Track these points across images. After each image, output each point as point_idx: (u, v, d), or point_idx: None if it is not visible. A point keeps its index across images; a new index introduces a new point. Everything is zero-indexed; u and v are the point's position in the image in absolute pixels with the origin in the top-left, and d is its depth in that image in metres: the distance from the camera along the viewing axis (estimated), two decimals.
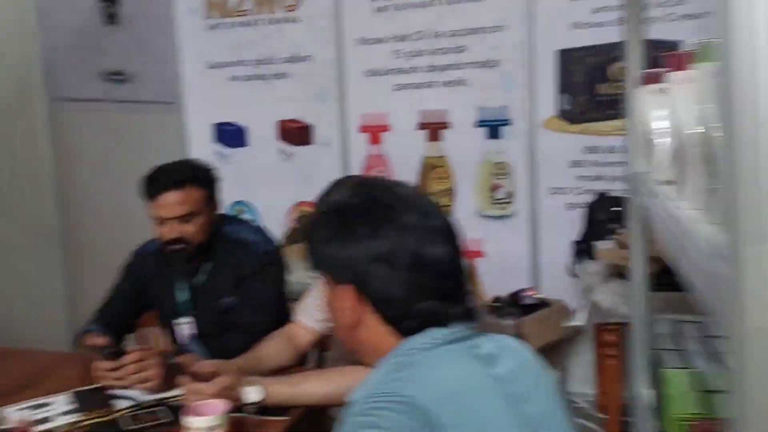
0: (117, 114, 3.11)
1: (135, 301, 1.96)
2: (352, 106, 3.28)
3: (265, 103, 3.43)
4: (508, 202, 3.10)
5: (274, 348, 1.63)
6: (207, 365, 1.39)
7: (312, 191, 3.22)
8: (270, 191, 3.48)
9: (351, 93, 3.28)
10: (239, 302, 1.83)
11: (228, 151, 3.55)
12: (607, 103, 2.87)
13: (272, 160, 3.46)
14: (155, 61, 3.36)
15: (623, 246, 2.45)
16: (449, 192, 3.19)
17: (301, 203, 3.42)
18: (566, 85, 2.93)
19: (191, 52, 3.47)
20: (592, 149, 2.92)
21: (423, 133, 3.20)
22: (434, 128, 3.18)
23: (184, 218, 1.77)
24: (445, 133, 3.17)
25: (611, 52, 2.81)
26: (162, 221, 1.78)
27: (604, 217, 2.73)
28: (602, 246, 2.60)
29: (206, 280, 1.88)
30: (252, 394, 1.32)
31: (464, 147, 3.13)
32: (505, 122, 3.05)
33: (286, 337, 1.71)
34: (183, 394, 1.46)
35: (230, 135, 3.53)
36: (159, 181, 1.78)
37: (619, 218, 2.70)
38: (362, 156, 3.31)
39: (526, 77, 2.98)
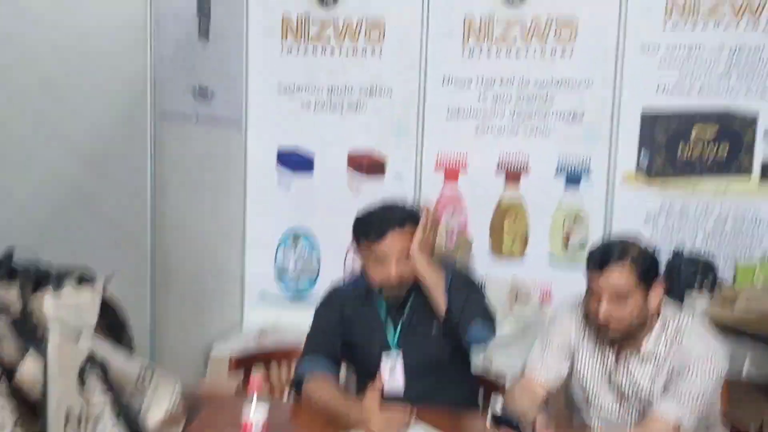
0: (202, 132, 2.97)
1: (341, 336, 1.90)
2: (431, 142, 3.30)
3: (337, 131, 3.38)
4: (581, 251, 3.23)
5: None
6: None
7: None
8: (332, 222, 3.40)
9: (430, 130, 3.30)
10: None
11: (291, 176, 3.45)
12: (687, 164, 3.08)
13: (339, 190, 3.40)
14: (231, 79, 3.24)
15: (724, 302, 2.64)
16: (523, 236, 3.28)
17: None
18: (647, 143, 3.11)
19: (263, 74, 3.37)
20: (668, 207, 3.11)
21: (501, 176, 3.28)
22: (513, 172, 3.26)
23: (404, 256, 1.78)
24: (524, 178, 3.26)
25: (693, 117, 3.05)
26: (384, 260, 1.77)
27: (687, 273, 2.91)
28: (698, 299, 2.77)
29: (413, 315, 1.87)
30: None
31: (542, 193, 3.23)
32: (584, 172, 3.19)
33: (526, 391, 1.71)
34: None
35: (295, 161, 3.44)
36: (385, 220, 1.79)
37: (704, 276, 2.91)
38: (436, 193, 3.33)
39: (608, 131, 3.13)
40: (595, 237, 3.18)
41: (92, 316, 1.44)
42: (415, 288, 1.86)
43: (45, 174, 1.96)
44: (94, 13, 2.21)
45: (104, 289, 1.54)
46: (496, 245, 3.31)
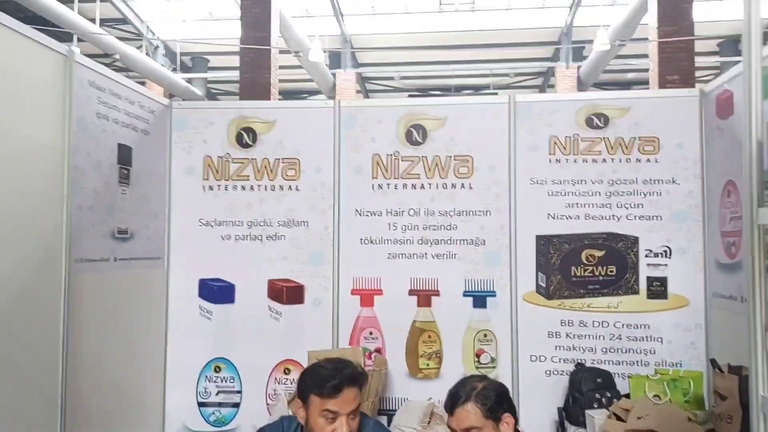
0: (119, 271, 3.06)
1: None
2: (346, 270, 3.49)
3: (256, 262, 3.53)
4: (492, 367, 3.40)
5: None
6: None
7: (301, 350, 3.30)
8: (253, 349, 3.50)
9: (345, 258, 3.50)
10: None
11: (212, 306, 3.55)
12: (579, 283, 3.35)
13: (259, 318, 3.51)
14: (153, 218, 3.39)
15: (619, 418, 2.82)
16: (438, 355, 3.43)
17: (287, 361, 3.47)
18: (543, 265, 3.39)
19: (184, 210, 3.54)
20: (567, 323, 3.35)
21: (413, 299, 3.47)
22: (424, 295, 3.46)
23: (354, 413, 1.87)
24: (434, 300, 3.46)
25: (582, 240, 3.36)
26: (335, 416, 1.84)
27: (589, 386, 3.11)
28: (595, 415, 2.94)
29: None
30: None
31: (452, 314, 3.43)
32: (489, 294, 3.42)
33: None
34: None
35: (217, 291, 3.55)
36: (340, 377, 1.86)
37: (604, 388, 3.11)
38: (353, 317, 3.48)
39: (508, 256, 3.40)
40: (504, 354, 3.38)
41: None
42: None
43: None
44: (8, 168, 2.33)
45: None
46: (413, 366, 3.44)
